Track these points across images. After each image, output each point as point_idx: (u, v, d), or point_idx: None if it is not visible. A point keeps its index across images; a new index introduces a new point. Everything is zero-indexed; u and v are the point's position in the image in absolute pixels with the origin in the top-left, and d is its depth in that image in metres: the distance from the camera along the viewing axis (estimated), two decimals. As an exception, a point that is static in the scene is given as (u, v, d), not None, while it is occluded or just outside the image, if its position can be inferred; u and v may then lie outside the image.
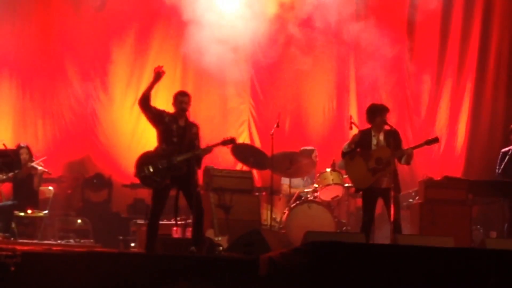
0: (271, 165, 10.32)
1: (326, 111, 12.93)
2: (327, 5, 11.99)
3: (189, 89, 10.22)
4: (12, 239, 10.10)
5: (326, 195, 10.61)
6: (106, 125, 12.47)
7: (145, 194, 11.30)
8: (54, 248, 8.64)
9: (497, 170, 10.35)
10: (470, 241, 9.99)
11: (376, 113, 9.09)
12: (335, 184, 10.55)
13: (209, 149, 8.68)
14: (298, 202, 10.47)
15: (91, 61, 12.40)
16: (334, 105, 12.95)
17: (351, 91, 12.95)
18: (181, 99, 8.67)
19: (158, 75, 8.63)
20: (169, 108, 8.77)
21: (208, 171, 10.32)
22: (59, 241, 10.70)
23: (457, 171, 12.52)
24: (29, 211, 10.59)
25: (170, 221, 9.80)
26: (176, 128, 8.57)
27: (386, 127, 9.03)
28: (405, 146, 9.44)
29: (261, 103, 12.83)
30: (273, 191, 10.39)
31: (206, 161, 9.26)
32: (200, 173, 9.34)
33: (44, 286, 6.62)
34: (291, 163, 10.54)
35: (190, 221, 10.07)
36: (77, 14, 12.39)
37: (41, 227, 10.74)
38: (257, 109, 12.81)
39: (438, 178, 10.63)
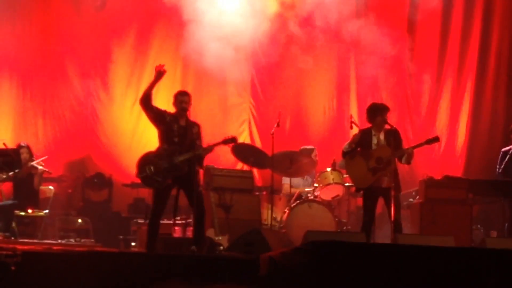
0: (271, 165, 10.32)
1: (327, 111, 12.93)
2: (328, 4, 11.98)
3: (189, 89, 10.23)
4: (12, 238, 10.10)
5: (326, 194, 10.61)
6: (106, 124, 12.48)
7: (146, 193, 11.32)
8: (55, 248, 8.65)
9: (497, 170, 10.34)
10: (470, 241, 9.99)
11: (376, 112, 9.09)
12: (336, 183, 10.55)
13: (210, 149, 8.69)
14: (298, 201, 10.46)
15: (91, 61, 12.40)
16: (335, 105, 12.95)
17: (351, 90, 12.95)
18: (181, 98, 8.67)
19: (159, 74, 8.63)
20: (170, 108, 8.77)
21: (208, 171, 10.32)
22: (59, 241, 10.70)
23: (457, 171, 12.53)
24: (30, 211, 10.59)
25: (170, 220, 9.80)
26: (177, 128, 8.57)
27: (387, 127, 9.03)
28: (405, 145, 9.44)
29: (262, 103, 12.83)
30: (273, 190, 10.39)
31: (207, 160, 9.25)
32: (200, 173, 9.34)
33: (44, 285, 6.62)
34: (291, 162, 10.54)
35: (190, 220, 10.10)
36: (77, 13, 12.40)
37: (41, 227, 10.75)
38: (257, 108, 12.81)
39: (439, 178, 10.63)
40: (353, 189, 10.06)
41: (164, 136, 8.60)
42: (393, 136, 8.95)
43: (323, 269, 6.69)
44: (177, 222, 10.34)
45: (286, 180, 11.06)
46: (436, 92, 13.11)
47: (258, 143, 12.50)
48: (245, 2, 11.84)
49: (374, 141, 9.07)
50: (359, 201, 10.53)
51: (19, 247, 7.48)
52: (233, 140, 8.90)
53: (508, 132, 10.68)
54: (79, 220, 11.37)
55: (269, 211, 10.26)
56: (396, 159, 9.00)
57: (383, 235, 10.14)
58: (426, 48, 13.11)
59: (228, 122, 12.59)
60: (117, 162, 12.36)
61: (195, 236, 8.61)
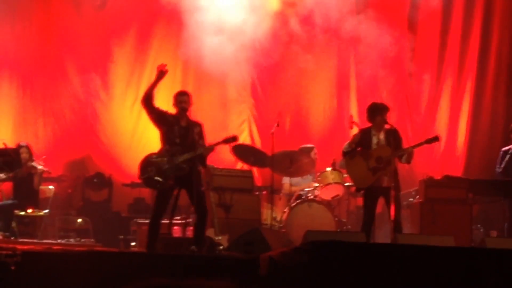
0: (271, 165, 10.32)
1: (327, 110, 12.93)
2: (328, 3, 11.98)
3: (189, 88, 10.24)
4: (12, 238, 10.10)
5: (326, 194, 10.61)
6: (106, 124, 12.48)
7: (146, 193, 11.33)
8: (55, 248, 8.66)
9: (497, 169, 10.34)
10: (470, 240, 9.98)
11: (376, 112, 9.09)
12: (336, 183, 10.54)
13: (211, 148, 8.69)
14: (298, 201, 10.46)
15: (91, 61, 12.40)
16: (335, 104, 12.95)
17: (351, 90, 12.95)
18: (181, 98, 8.67)
19: (161, 73, 8.63)
20: (171, 108, 8.77)
21: (208, 170, 10.32)
22: (59, 241, 10.70)
23: (457, 170, 12.53)
24: (30, 210, 10.60)
25: (172, 221, 9.80)
26: (178, 129, 8.57)
27: (387, 126, 9.03)
28: (405, 145, 9.44)
29: (262, 102, 12.83)
30: (273, 190, 10.40)
31: (207, 160, 9.25)
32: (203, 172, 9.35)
33: (44, 285, 6.62)
34: (291, 162, 10.54)
35: (190, 220, 10.10)
36: (77, 13, 12.40)
37: (41, 226, 10.75)
38: (257, 108, 12.81)
39: (439, 177, 10.62)
40: (353, 188, 10.06)
41: (166, 137, 8.61)
42: (393, 136, 8.95)
43: (323, 269, 6.70)
44: (177, 222, 10.36)
45: (286, 180, 11.06)
46: (436, 92, 13.11)
47: (258, 143, 12.51)
48: (245, 2, 11.85)
49: (374, 140, 9.06)
50: (359, 201, 10.53)
51: (19, 247, 7.49)
52: (234, 139, 8.89)
53: (508, 132, 10.68)
54: (79, 220, 11.37)
55: (269, 211, 10.27)
56: (396, 159, 9.00)
57: (383, 235, 10.15)
58: (426, 47, 13.11)
59: (228, 121, 12.59)
60: (117, 162, 12.36)
61: (195, 236, 8.62)
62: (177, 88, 9.30)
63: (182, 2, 11.64)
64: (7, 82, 12.19)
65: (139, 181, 8.87)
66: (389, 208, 8.88)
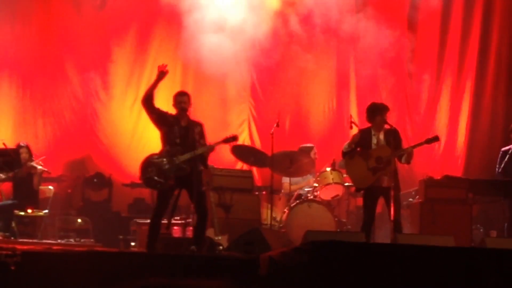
0: (271, 165, 10.33)
1: (326, 110, 12.94)
2: (328, 2, 11.99)
3: (189, 89, 10.25)
4: (12, 238, 10.11)
5: (326, 194, 10.61)
6: (106, 124, 12.48)
7: (146, 193, 11.33)
8: (54, 248, 8.66)
9: (497, 169, 10.34)
10: (470, 241, 9.98)
11: (376, 112, 9.09)
12: (335, 183, 10.55)
13: (211, 148, 8.69)
14: (298, 201, 10.46)
15: (91, 60, 12.40)
16: (334, 104, 12.95)
17: (351, 90, 12.95)
18: (180, 99, 8.68)
19: (161, 74, 8.64)
20: (171, 108, 8.77)
21: (208, 170, 10.31)
22: (59, 241, 10.71)
23: (457, 170, 12.53)
24: (29, 211, 10.60)
25: (171, 221, 9.81)
26: (178, 129, 8.58)
27: (386, 126, 9.03)
28: (405, 145, 9.44)
29: (261, 102, 12.83)
30: (273, 190, 10.39)
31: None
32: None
33: (44, 285, 6.62)
34: (291, 162, 10.54)
35: (190, 220, 10.10)
36: (77, 13, 12.40)
37: (41, 227, 10.75)
38: (257, 108, 12.82)
39: (438, 177, 10.63)
40: (353, 189, 10.06)
41: (166, 138, 8.61)
42: (393, 136, 8.95)
43: (322, 269, 6.69)
44: (177, 222, 10.37)
45: (286, 179, 11.06)
46: (436, 92, 13.11)
47: (257, 143, 12.51)
48: (245, 1, 11.85)
49: (374, 141, 9.06)
50: (359, 201, 10.53)
51: (18, 247, 7.48)
52: (234, 138, 8.89)
53: (508, 132, 10.68)
54: (79, 220, 11.37)
55: (269, 211, 10.27)
56: (396, 159, 9.00)
57: (383, 235, 10.15)
58: (426, 47, 13.11)
59: (227, 122, 12.59)
60: (117, 162, 12.37)
61: (195, 236, 8.63)
62: (177, 88, 9.30)
63: (182, 2, 11.65)
64: (7, 82, 12.19)
65: (139, 181, 8.88)
66: (389, 208, 8.88)
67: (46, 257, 6.93)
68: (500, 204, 10.52)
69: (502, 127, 12.61)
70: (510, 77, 13.16)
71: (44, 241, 10.34)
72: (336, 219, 10.37)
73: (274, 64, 12.46)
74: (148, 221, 8.91)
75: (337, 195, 10.73)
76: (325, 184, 10.56)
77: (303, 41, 12.30)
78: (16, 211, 10.53)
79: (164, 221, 8.82)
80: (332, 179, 10.55)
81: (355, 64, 12.89)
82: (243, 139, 12.47)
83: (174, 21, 12.08)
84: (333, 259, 6.74)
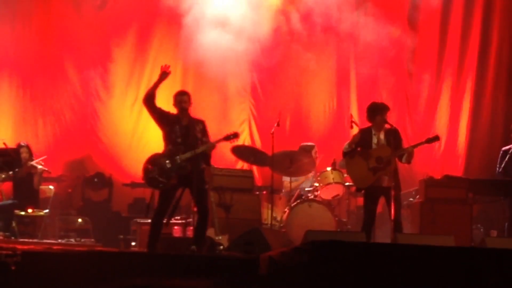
0: (271, 164, 10.32)
1: (327, 110, 12.93)
2: (328, 2, 11.99)
3: (189, 88, 10.23)
4: (12, 238, 10.11)
5: (326, 194, 10.61)
6: (106, 124, 12.49)
7: (146, 193, 11.32)
8: (55, 247, 8.67)
9: (497, 169, 10.34)
10: (470, 240, 9.98)
11: (376, 111, 9.08)
12: (336, 183, 10.55)
13: (212, 145, 8.67)
14: (298, 201, 10.47)
15: (91, 60, 12.41)
16: (335, 104, 12.95)
17: (351, 89, 12.94)
18: (180, 98, 8.68)
19: (164, 74, 8.66)
20: (171, 108, 8.77)
21: (208, 170, 10.31)
22: (59, 240, 10.71)
23: (457, 170, 12.52)
24: (30, 210, 10.60)
25: (171, 220, 9.81)
26: (179, 129, 8.58)
27: (387, 126, 9.03)
28: (405, 144, 9.43)
29: (262, 102, 12.82)
30: (273, 190, 10.40)
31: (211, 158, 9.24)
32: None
33: (44, 285, 6.62)
34: (291, 162, 10.54)
35: (190, 220, 10.11)
36: (77, 13, 12.41)
37: (41, 226, 10.75)
38: (257, 108, 12.81)
39: (439, 177, 10.63)
40: (353, 188, 10.05)
41: (168, 138, 8.62)
42: (393, 136, 8.95)
43: (323, 269, 6.69)
44: (177, 222, 10.37)
45: (286, 178, 11.06)
46: (436, 91, 13.10)
47: (258, 143, 12.51)
48: (245, 1, 11.85)
49: (374, 140, 9.06)
50: (359, 200, 10.53)
51: (19, 246, 7.49)
52: (235, 135, 8.88)
53: (509, 131, 10.68)
54: (79, 220, 11.37)
55: (269, 211, 10.27)
56: (396, 159, 8.99)
57: (383, 235, 10.14)
58: (426, 47, 13.10)
59: (228, 121, 12.58)
60: (117, 161, 12.37)
61: (195, 236, 8.63)
62: (177, 88, 9.29)
63: (182, 2, 11.65)
64: (7, 82, 12.20)
65: (139, 181, 8.88)
66: (389, 208, 8.87)
67: (46, 257, 6.93)
68: (500, 203, 10.53)
69: (502, 126, 12.60)
70: (510, 77, 13.14)
71: (45, 241, 10.34)
72: (336, 219, 10.37)
73: (274, 64, 12.46)
74: (149, 221, 8.91)
75: (338, 195, 10.73)
76: (325, 184, 10.56)
77: (304, 40, 12.31)
78: (16, 211, 10.53)
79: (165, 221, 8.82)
80: (333, 178, 10.55)
81: (355, 63, 12.89)
82: (244, 139, 12.47)
83: (174, 20, 12.08)
84: (333, 259, 6.74)
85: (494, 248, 7.43)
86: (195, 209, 8.72)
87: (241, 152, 10.92)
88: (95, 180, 12.02)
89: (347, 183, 10.57)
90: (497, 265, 6.79)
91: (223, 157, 11.51)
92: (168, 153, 8.54)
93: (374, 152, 8.98)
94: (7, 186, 10.93)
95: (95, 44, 12.39)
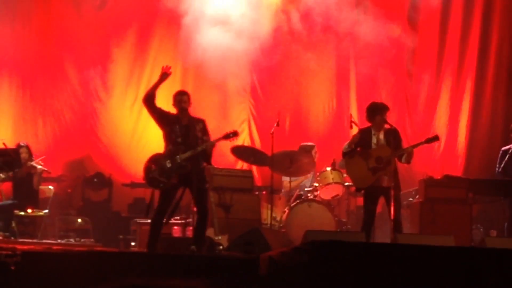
0: (271, 164, 10.33)
1: (326, 110, 12.93)
2: (328, 1, 11.99)
3: (189, 88, 10.23)
4: (12, 238, 10.11)
5: (326, 194, 10.61)
6: (106, 124, 12.49)
7: (145, 193, 11.32)
8: (54, 248, 8.67)
9: (497, 169, 10.34)
10: (470, 240, 9.99)
11: (376, 111, 9.08)
12: (335, 183, 10.55)
13: (212, 144, 8.66)
14: (298, 201, 10.46)
15: (91, 60, 12.41)
16: (334, 104, 12.95)
17: (351, 89, 12.94)
18: (180, 98, 8.68)
19: (164, 75, 8.67)
20: (171, 108, 8.77)
21: (208, 170, 10.32)
22: (59, 241, 10.71)
23: (457, 170, 12.52)
24: (29, 210, 10.60)
25: (170, 220, 9.81)
26: (179, 128, 8.58)
27: (386, 126, 9.02)
28: (405, 144, 9.43)
29: (261, 102, 12.83)
30: (273, 190, 10.40)
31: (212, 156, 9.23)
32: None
33: (44, 285, 6.62)
34: (291, 162, 10.54)
35: (190, 220, 10.11)
36: (77, 13, 12.41)
37: (41, 226, 10.75)
38: (257, 108, 12.81)
39: (438, 177, 10.63)
40: (353, 188, 10.06)
41: (168, 137, 8.63)
42: (393, 136, 8.94)
43: (322, 269, 6.69)
44: (176, 222, 10.37)
45: (286, 178, 11.06)
46: (436, 91, 13.10)
47: (257, 143, 12.52)
48: (244, 1, 11.85)
49: (374, 140, 9.06)
50: (359, 200, 10.53)
51: (19, 247, 7.48)
52: (234, 134, 8.88)
53: (508, 131, 10.67)
54: (79, 220, 11.37)
55: (269, 211, 10.27)
56: (396, 159, 8.99)
57: (383, 235, 10.15)
58: (426, 47, 13.10)
59: (227, 121, 12.57)
60: (117, 161, 12.37)
61: (195, 236, 8.63)
62: (177, 88, 9.29)
63: (181, 2, 11.65)
64: (7, 82, 12.20)
65: (138, 181, 8.89)
66: (389, 207, 8.88)
67: (46, 257, 6.92)
68: (500, 203, 10.53)
69: (502, 126, 12.60)
70: (510, 77, 13.14)
71: (44, 241, 10.35)
72: (336, 219, 10.38)
73: (274, 64, 12.46)
74: (149, 221, 8.91)
75: (337, 195, 10.73)
76: (325, 184, 10.56)
77: (303, 40, 12.31)
78: (16, 211, 10.53)
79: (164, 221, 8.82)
80: (332, 178, 10.55)
81: (355, 63, 12.89)
82: (243, 139, 12.48)
83: (173, 20, 12.08)
84: (333, 259, 6.74)
85: (494, 248, 7.43)
86: (195, 209, 8.73)
87: (240, 152, 10.93)
88: (95, 180, 12.02)
89: (346, 183, 10.57)
90: (497, 265, 6.78)
91: (223, 157, 11.51)
92: (169, 153, 8.55)
93: (374, 152, 8.98)
94: (7, 186, 10.93)
95: (95, 44, 12.39)
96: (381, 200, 9.14)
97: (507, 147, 10.34)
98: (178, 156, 8.47)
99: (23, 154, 10.64)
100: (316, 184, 10.70)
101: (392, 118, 9.47)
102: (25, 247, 8.04)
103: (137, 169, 11.49)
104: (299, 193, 10.80)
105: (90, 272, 6.71)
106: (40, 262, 6.77)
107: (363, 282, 6.67)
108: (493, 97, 13.08)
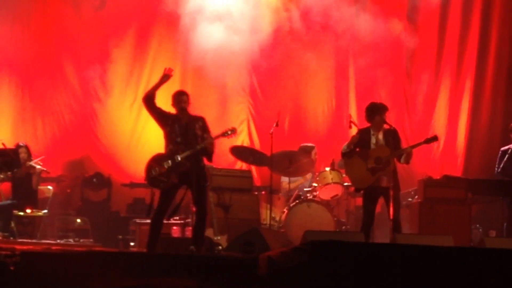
0: (270, 165, 10.33)
1: (326, 110, 12.93)
2: (327, 2, 11.99)
3: (188, 88, 10.23)
4: (11, 238, 10.10)
5: (325, 194, 10.61)
6: (105, 124, 12.48)
7: (145, 193, 11.32)
8: (54, 248, 8.67)
9: (496, 169, 10.34)
10: (469, 240, 9.99)
11: (375, 112, 9.08)
12: (335, 183, 10.55)
13: (210, 141, 8.65)
14: (297, 201, 10.47)
15: (90, 61, 12.39)
16: (333, 104, 12.95)
17: (350, 90, 12.95)
18: (179, 98, 8.69)
19: (166, 76, 8.69)
20: (170, 108, 8.78)
21: (207, 170, 10.32)
22: (58, 241, 10.71)
23: (456, 170, 12.53)
24: (28, 211, 10.59)
25: (169, 220, 9.82)
26: (178, 128, 8.59)
27: (385, 126, 9.02)
28: (404, 144, 9.43)
29: (260, 102, 12.83)
30: (272, 190, 10.40)
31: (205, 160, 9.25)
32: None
33: (43, 285, 6.61)
34: (290, 162, 10.54)
35: (189, 220, 10.10)
36: (76, 13, 12.40)
37: (40, 227, 10.74)
38: (256, 108, 12.81)
39: (438, 177, 10.64)
40: (352, 188, 10.06)
41: (168, 137, 8.64)
42: (392, 136, 8.94)
43: (322, 269, 6.69)
44: (176, 222, 10.37)
45: (285, 179, 11.06)
46: (435, 91, 13.10)
47: (257, 143, 12.51)
48: (243, 1, 11.85)
49: (373, 140, 9.06)
50: (358, 200, 10.53)
51: (18, 247, 7.48)
52: (232, 131, 8.89)
53: (508, 131, 10.68)
54: (78, 220, 11.36)
55: (268, 211, 10.27)
56: (395, 159, 8.99)
57: (382, 235, 10.15)
58: (425, 46, 13.10)
59: (227, 121, 12.54)
60: (116, 162, 12.36)
61: (194, 236, 8.62)
62: (176, 88, 9.29)
63: (180, 2, 11.65)
64: (6, 82, 12.19)
65: (138, 181, 8.88)
66: (388, 208, 8.87)
67: (45, 257, 6.92)
68: (499, 204, 10.53)
69: (501, 126, 12.60)
70: (509, 77, 13.15)
71: (43, 241, 10.34)
72: (335, 219, 10.38)
73: (273, 64, 12.46)
74: (148, 221, 8.91)
75: (336, 195, 10.74)
76: (324, 184, 10.56)
77: (303, 39, 12.31)
78: (15, 211, 10.52)
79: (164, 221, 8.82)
80: (332, 179, 10.55)
81: (354, 63, 12.89)
82: (242, 139, 12.49)
83: (173, 21, 12.08)
84: (332, 259, 6.73)
85: (493, 248, 7.43)
86: (194, 209, 8.73)
87: (240, 152, 10.93)
88: (94, 180, 12.01)
89: (346, 183, 10.57)
90: (496, 265, 6.78)
91: (222, 157, 11.51)
92: (169, 153, 8.56)
93: (373, 153, 8.98)
94: (6, 187, 10.92)
95: (94, 45, 12.38)
96: (380, 200, 9.14)
97: (506, 147, 10.34)
98: (177, 156, 8.48)
99: (22, 154, 10.64)
100: (315, 184, 10.70)
101: (391, 118, 9.47)
102: (24, 247, 8.04)
103: (136, 169, 11.54)
104: (298, 193, 10.80)
105: (89, 272, 6.71)
106: (39, 262, 6.76)
107: (362, 282, 6.67)
108: (493, 97, 13.08)
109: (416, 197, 10.73)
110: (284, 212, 10.47)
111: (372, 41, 12.33)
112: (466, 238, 9.83)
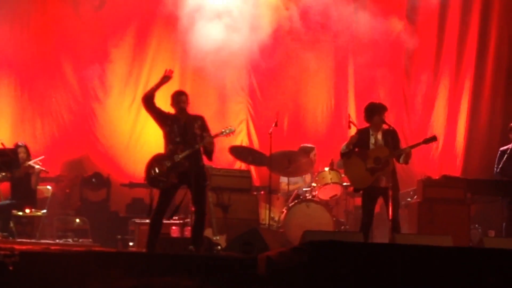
0: (269, 165, 10.33)
1: (325, 110, 12.93)
2: (326, 2, 11.99)
3: (187, 88, 10.24)
4: (10, 238, 10.09)
5: (324, 194, 10.61)
6: (104, 124, 12.48)
7: (144, 193, 11.33)
8: (53, 248, 8.66)
9: (495, 169, 10.35)
10: (468, 240, 10.00)
11: (374, 112, 9.07)
12: (334, 183, 10.56)
13: (209, 140, 8.65)
14: (296, 201, 10.47)
15: (89, 61, 12.39)
16: (333, 104, 12.95)
17: (349, 90, 12.95)
18: (179, 98, 8.69)
19: (166, 78, 8.69)
20: (169, 108, 8.78)
21: (206, 170, 10.32)
22: (57, 241, 10.70)
23: (455, 170, 12.54)
24: (27, 211, 10.59)
25: (169, 220, 9.83)
26: (177, 128, 8.59)
27: (385, 126, 9.02)
28: (403, 144, 9.43)
29: (259, 102, 12.83)
30: (271, 190, 10.40)
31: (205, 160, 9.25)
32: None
33: (42, 285, 6.61)
34: (289, 162, 10.54)
35: (188, 220, 10.10)
36: (76, 13, 12.40)
37: (39, 227, 10.74)
38: (255, 108, 12.81)
39: (437, 177, 10.64)
40: (351, 188, 10.06)
41: (168, 138, 8.65)
42: (391, 136, 8.94)
43: (321, 269, 6.69)
44: (175, 222, 10.37)
45: (284, 179, 11.06)
46: (434, 91, 13.11)
47: (256, 143, 12.51)
48: (243, 1, 11.85)
49: (372, 141, 9.05)
50: (357, 200, 10.54)
51: (17, 247, 7.47)
52: (231, 130, 8.90)
53: (507, 131, 10.68)
54: (77, 220, 11.36)
55: (267, 211, 10.27)
56: (394, 159, 8.98)
57: (381, 235, 10.16)
58: (424, 46, 13.10)
59: (225, 121, 12.53)
60: (115, 162, 12.36)
61: (193, 236, 8.62)
62: (175, 88, 9.28)
63: (180, 2, 11.64)
64: (5, 82, 12.18)
65: (137, 181, 8.88)
66: (387, 208, 8.87)
67: (44, 257, 6.92)
68: (498, 204, 10.54)
69: (500, 126, 12.61)
70: (508, 77, 13.15)
71: (42, 241, 10.34)
72: (334, 219, 10.38)
73: (272, 64, 12.46)
74: (147, 221, 8.91)
75: (335, 195, 10.74)
76: (323, 184, 10.56)
77: (302, 39, 12.31)
78: (14, 211, 10.52)
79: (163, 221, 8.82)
80: (331, 179, 10.55)
81: (353, 63, 12.89)
82: (241, 139, 12.49)
83: (172, 21, 12.07)
84: (331, 259, 6.73)
85: (492, 248, 7.43)
86: (193, 209, 8.73)
87: (239, 152, 10.93)
88: (93, 180, 12.01)
89: (345, 183, 10.57)
90: (495, 265, 6.79)
91: (221, 157, 11.51)
92: (169, 152, 8.56)
93: (372, 153, 8.98)
94: (5, 186, 10.91)
95: (93, 45, 12.38)
96: (380, 200, 9.13)
97: (505, 147, 10.35)
98: (176, 155, 8.48)
99: (21, 154, 10.63)
100: (314, 184, 10.70)
101: (390, 118, 9.47)
102: (23, 247, 8.03)
103: (135, 169, 11.55)
104: (297, 193, 10.80)
105: (88, 272, 6.71)
106: (38, 262, 6.76)
107: (361, 282, 6.67)
108: (492, 97, 13.09)
109: (415, 197, 10.73)
110: (283, 212, 10.47)
111: (371, 40, 12.33)
112: (465, 238, 9.83)
